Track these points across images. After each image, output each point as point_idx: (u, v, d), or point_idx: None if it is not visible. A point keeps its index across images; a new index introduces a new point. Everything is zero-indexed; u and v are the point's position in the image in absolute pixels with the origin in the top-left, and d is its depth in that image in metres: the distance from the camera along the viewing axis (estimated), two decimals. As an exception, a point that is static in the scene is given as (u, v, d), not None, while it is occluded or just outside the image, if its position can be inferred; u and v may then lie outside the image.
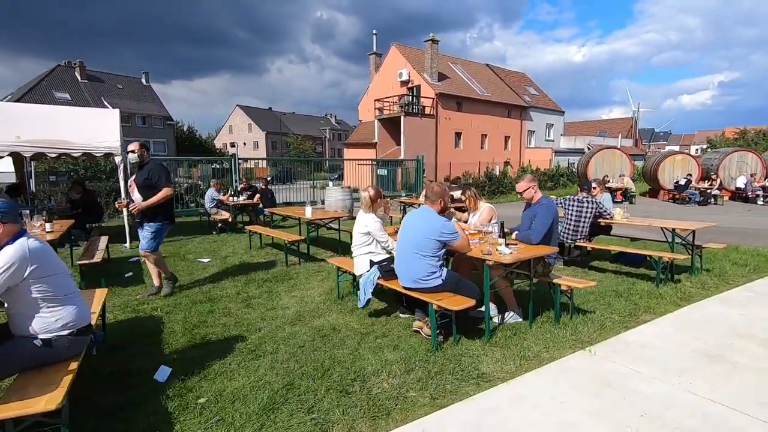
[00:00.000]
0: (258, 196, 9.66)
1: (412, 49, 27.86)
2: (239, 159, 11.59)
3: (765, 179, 17.02)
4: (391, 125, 25.22)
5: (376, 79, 28.97)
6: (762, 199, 16.22)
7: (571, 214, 5.83)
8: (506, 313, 3.90)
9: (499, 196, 20.75)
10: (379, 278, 3.80)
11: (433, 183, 3.52)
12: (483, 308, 3.98)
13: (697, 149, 57.37)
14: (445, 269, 3.45)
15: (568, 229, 5.84)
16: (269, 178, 11.02)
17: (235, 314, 4.22)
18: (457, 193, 9.91)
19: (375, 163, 24.42)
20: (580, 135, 36.89)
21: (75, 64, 38.59)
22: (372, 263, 3.91)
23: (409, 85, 26.63)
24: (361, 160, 25.88)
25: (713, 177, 17.02)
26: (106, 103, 38.35)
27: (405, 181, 21.01)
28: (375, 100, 26.21)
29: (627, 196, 17.24)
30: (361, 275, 4.00)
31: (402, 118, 23.75)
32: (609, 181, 17.67)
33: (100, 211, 8.65)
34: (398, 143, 24.62)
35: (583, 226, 5.76)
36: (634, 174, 20.11)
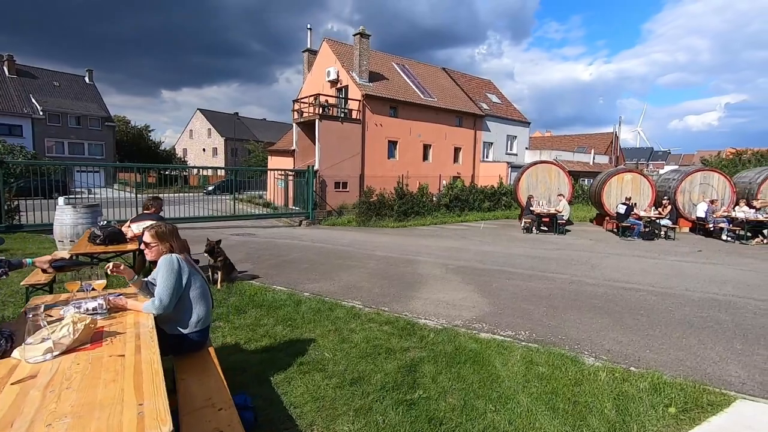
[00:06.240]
0: None
1: (345, 45, 24.41)
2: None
3: (732, 207, 13.13)
4: (311, 131, 21.66)
5: (309, 78, 25.55)
6: (726, 233, 12.34)
7: None
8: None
9: (413, 217, 16.99)
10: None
11: None
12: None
13: (691, 169, 53.06)
14: None
15: None
16: None
17: None
18: (142, 225, 5.99)
19: (292, 173, 21.04)
20: (549, 149, 33.11)
21: (4, 58, 35.63)
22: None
23: (338, 85, 23.12)
24: (279, 170, 22.44)
25: (665, 203, 13.19)
26: (33, 101, 35.27)
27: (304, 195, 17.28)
28: (293, 101, 22.72)
29: (555, 224, 13.44)
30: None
31: (317, 122, 20.17)
32: (533, 204, 13.92)
33: None
34: (317, 151, 21.02)
35: None
36: (573, 195, 16.31)
